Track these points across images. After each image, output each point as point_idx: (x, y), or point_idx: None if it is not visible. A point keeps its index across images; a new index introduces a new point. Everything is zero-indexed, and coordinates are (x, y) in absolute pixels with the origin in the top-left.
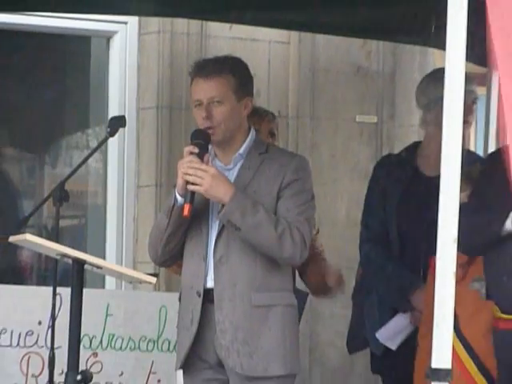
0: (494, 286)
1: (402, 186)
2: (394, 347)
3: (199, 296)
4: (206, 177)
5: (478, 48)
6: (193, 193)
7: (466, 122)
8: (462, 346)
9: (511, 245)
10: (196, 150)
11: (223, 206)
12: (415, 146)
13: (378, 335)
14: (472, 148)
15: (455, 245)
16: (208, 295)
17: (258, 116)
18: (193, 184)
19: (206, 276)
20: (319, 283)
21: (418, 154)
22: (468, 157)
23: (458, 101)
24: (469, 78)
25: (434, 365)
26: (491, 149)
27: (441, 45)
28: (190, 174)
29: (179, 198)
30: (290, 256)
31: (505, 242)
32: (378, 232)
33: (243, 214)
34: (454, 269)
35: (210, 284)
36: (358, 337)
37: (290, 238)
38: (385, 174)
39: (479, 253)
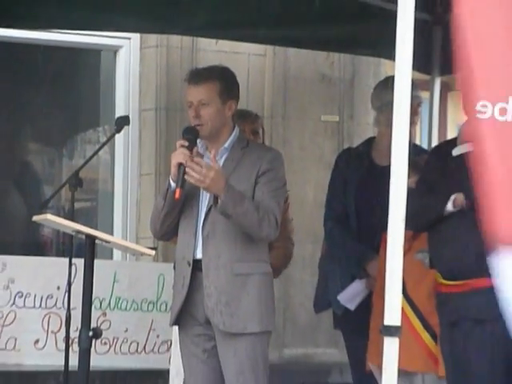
0: (436, 257)
1: (360, 174)
2: (352, 308)
3: (189, 265)
4: (209, 174)
5: (422, 58)
6: (183, 178)
7: (413, 122)
8: (409, 307)
9: (451, 223)
10: (186, 144)
11: (216, 198)
12: (370, 141)
13: (339, 298)
14: (418, 143)
15: (403, 223)
16: (197, 265)
17: (242, 117)
18: (196, 180)
19: (195, 249)
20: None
21: (372, 147)
22: (414, 149)
23: (405, 103)
24: (414, 85)
25: (386, 322)
26: (434, 143)
27: (391, 56)
28: (196, 172)
29: (172, 184)
30: (266, 235)
31: (446, 220)
32: (340, 213)
33: (234, 204)
34: (402, 242)
35: (198, 255)
36: (323, 299)
37: (267, 221)
38: (345, 164)
39: (424, 229)
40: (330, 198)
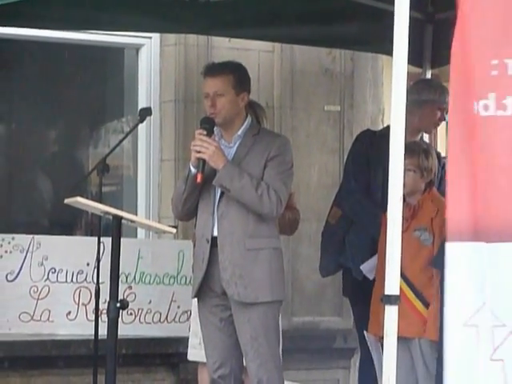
0: None
1: (386, 153)
2: (371, 277)
3: (208, 242)
4: (210, 147)
5: (415, 53)
6: (203, 164)
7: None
8: (402, 280)
9: None
10: (204, 132)
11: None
12: (389, 127)
13: (362, 267)
14: None
15: (401, 201)
16: (214, 241)
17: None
18: (199, 152)
19: (212, 227)
20: (286, 226)
21: None
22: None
23: (401, 92)
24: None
25: (387, 292)
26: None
27: (387, 51)
28: (198, 145)
29: (193, 169)
30: (269, 211)
31: None
32: (366, 186)
33: (231, 179)
34: (400, 219)
35: (215, 233)
36: (332, 265)
37: (267, 197)
38: (369, 143)
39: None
40: (354, 172)
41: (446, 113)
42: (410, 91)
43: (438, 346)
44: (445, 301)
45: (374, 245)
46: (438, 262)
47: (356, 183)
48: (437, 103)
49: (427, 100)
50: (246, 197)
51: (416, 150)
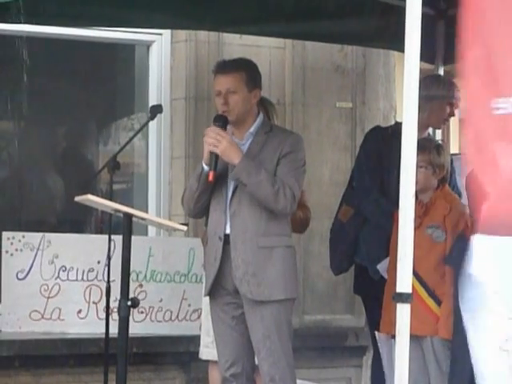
0: None
1: (396, 150)
2: (387, 277)
3: (220, 240)
4: (223, 141)
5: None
6: (216, 162)
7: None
8: (414, 278)
9: None
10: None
11: (234, 167)
12: (398, 124)
13: (378, 267)
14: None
15: (413, 198)
16: (227, 239)
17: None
18: (212, 146)
19: (225, 225)
20: (297, 224)
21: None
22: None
23: (414, 89)
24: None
25: (399, 290)
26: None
27: (399, 48)
28: (212, 137)
29: (205, 167)
30: (283, 208)
31: None
32: (380, 184)
33: (249, 173)
34: (413, 216)
35: (227, 231)
36: (340, 263)
37: (283, 194)
38: (381, 140)
39: None
40: (367, 170)
41: (456, 108)
42: None
43: (452, 345)
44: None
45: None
46: (451, 259)
47: (371, 181)
48: (446, 98)
49: (436, 95)
50: (262, 192)
51: (428, 147)
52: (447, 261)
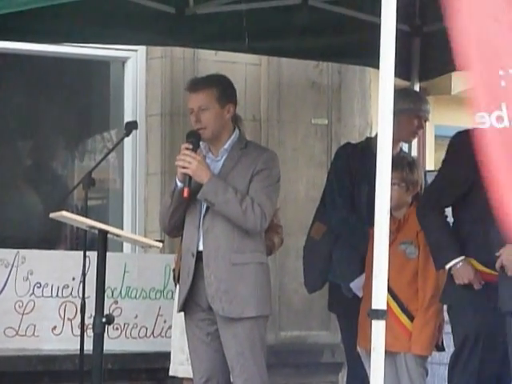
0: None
1: (369, 166)
2: (360, 295)
3: (193, 256)
4: (193, 162)
5: (402, 66)
6: (190, 179)
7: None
8: (389, 294)
9: None
10: (190, 146)
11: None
12: (368, 139)
13: (351, 285)
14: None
15: (388, 215)
16: (200, 256)
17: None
18: (184, 167)
19: (198, 241)
20: (274, 249)
21: (373, 144)
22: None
23: (388, 105)
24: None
25: (374, 306)
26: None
27: (375, 64)
28: (181, 160)
29: (179, 184)
30: (253, 226)
31: None
32: (351, 202)
33: (216, 193)
34: (388, 233)
35: (200, 247)
36: (317, 280)
37: (252, 212)
38: (351, 157)
39: None
40: (338, 188)
41: (425, 121)
42: None
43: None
44: None
45: (363, 262)
46: (445, 298)
47: (340, 199)
48: (413, 112)
49: (402, 109)
50: (230, 211)
51: (401, 164)
52: (441, 300)
